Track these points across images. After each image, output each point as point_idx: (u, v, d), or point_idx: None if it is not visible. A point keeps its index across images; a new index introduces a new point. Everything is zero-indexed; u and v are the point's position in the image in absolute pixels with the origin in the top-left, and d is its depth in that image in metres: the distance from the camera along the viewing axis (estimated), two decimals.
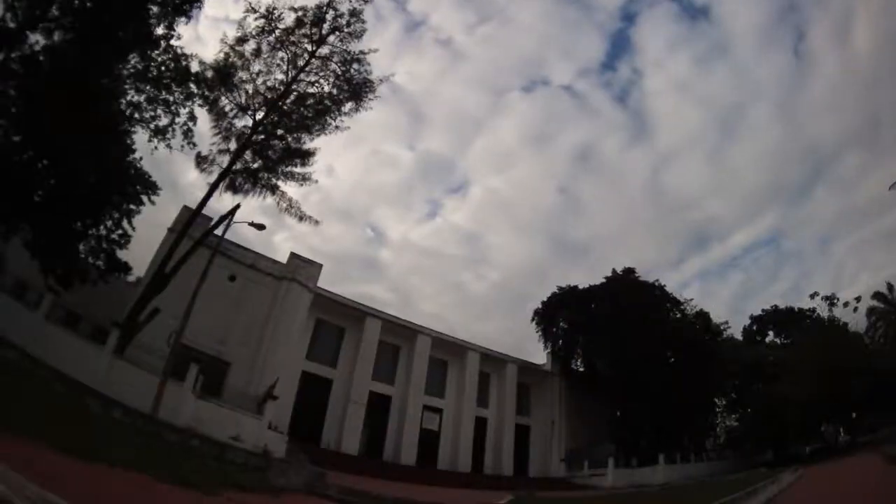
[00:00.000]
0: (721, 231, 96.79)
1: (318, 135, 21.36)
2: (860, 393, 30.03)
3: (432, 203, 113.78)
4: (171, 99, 19.59)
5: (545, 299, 36.68)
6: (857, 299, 37.98)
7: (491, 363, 32.83)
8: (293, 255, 26.89)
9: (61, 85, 15.79)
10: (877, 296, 36.77)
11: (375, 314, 29.48)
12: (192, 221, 19.86)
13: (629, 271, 36.80)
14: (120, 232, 21.38)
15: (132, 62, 18.77)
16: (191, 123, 20.24)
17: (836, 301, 40.30)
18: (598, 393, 33.39)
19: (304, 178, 21.54)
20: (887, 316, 35.65)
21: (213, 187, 19.98)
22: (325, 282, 28.14)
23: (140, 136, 20.99)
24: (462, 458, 28.94)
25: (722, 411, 45.16)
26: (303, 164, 21.55)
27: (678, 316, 36.96)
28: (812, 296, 41.40)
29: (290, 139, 21.35)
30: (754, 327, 46.88)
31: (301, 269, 26.32)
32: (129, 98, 19.34)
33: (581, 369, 36.11)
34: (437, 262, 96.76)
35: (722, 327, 41.62)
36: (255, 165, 21.33)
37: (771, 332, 45.99)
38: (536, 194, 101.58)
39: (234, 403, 18.24)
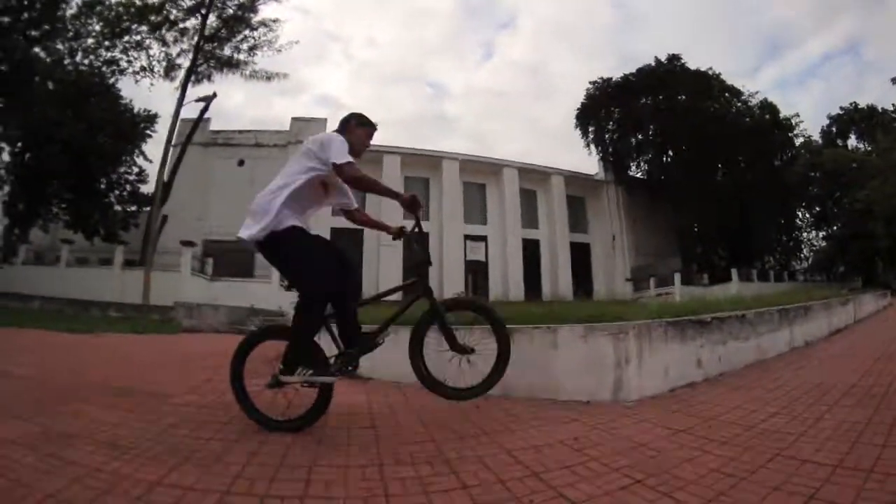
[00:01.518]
0: (794, 37, 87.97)
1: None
2: None
3: (485, 45, 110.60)
4: (139, 39, 22.52)
5: (583, 99, 30.72)
6: None
7: (534, 178, 30.23)
8: (294, 119, 27.01)
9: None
10: None
11: (392, 151, 28.05)
12: (173, 127, 21.79)
13: (674, 58, 31.77)
14: (136, 170, 24.64)
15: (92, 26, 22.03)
16: (166, 50, 22.86)
17: None
18: (662, 201, 30.37)
19: (269, 44, 23.76)
20: None
21: (183, 87, 22.29)
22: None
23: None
24: (513, 286, 27.15)
25: (805, 227, 40.97)
26: (267, 32, 23.80)
27: (740, 107, 32.62)
28: (894, 80, 31.00)
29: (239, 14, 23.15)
30: (833, 129, 39.49)
31: (304, 129, 25.99)
32: (106, 56, 22.62)
33: (639, 175, 32.65)
34: (506, 102, 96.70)
35: (793, 121, 36.24)
36: (214, 51, 23.70)
37: (853, 136, 39.13)
38: (590, 13, 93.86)
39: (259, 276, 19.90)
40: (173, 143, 21.72)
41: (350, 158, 2.46)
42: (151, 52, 22.76)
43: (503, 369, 2.59)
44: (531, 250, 29.04)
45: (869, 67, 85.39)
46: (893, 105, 33.54)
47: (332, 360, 2.53)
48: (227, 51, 23.85)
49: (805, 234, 40.50)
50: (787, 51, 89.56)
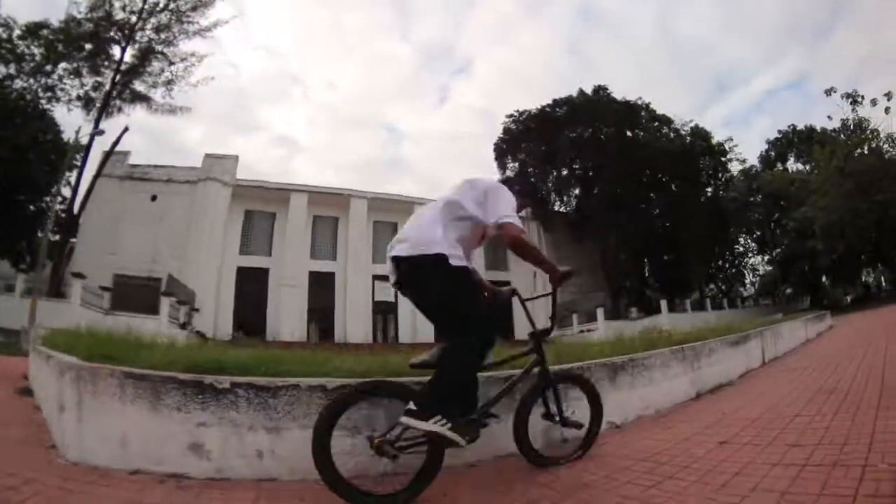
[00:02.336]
0: (741, 75, 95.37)
1: (193, 34, 24.11)
2: None
3: (441, 89, 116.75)
4: (76, 66, 22.90)
5: (501, 133, 31.04)
6: (888, 95, 29.58)
7: None
8: (207, 156, 27.22)
9: None
10: None
11: (300, 189, 27.91)
12: (85, 158, 23.09)
13: (600, 89, 31.51)
14: (60, 199, 24.17)
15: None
16: (94, 79, 23.35)
17: (860, 99, 31.43)
18: (587, 235, 29.48)
19: (185, 74, 24.49)
20: None
21: (97, 118, 22.89)
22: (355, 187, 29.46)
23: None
24: (423, 328, 27.07)
25: (747, 252, 41.10)
26: (187, 67, 24.55)
27: (671, 136, 32.26)
28: (828, 92, 32.03)
29: (160, 48, 23.94)
30: (771, 153, 40.09)
31: (216, 165, 26.71)
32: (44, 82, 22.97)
33: (565, 210, 32.05)
34: (458, 144, 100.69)
35: (727, 146, 36.33)
36: (128, 83, 24.11)
37: (791, 158, 39.67)
38: (544, 59, 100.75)
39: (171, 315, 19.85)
40: (94, 173, 22.72)
41: (518, 219, 2.36)
42: (85, 81, 23.30)
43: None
44: None
45: (814, 100, 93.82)
46: (829, 117, 33.33)
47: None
48: (140, 84, 24.44)
49: (748, 260, 40.39)
50: (735, 89, 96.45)
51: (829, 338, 10.23)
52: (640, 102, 31.94)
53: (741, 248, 39.96)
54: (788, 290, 38.96)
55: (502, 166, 31.00)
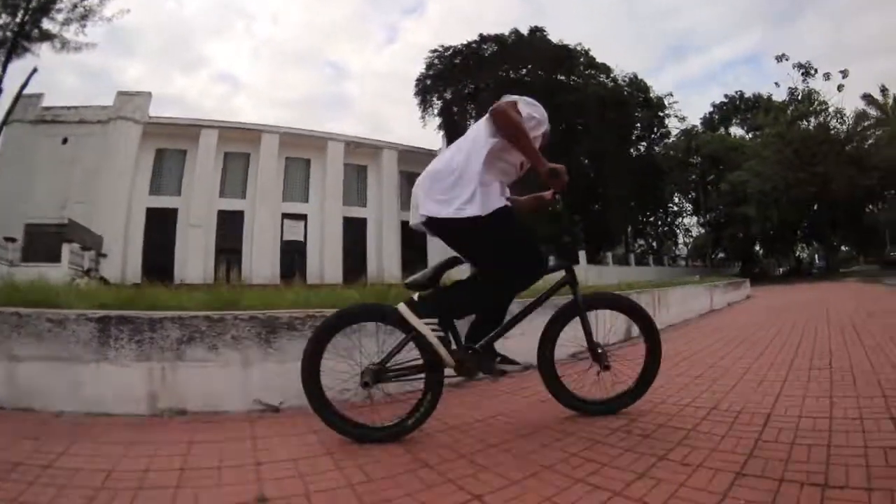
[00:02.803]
0: (700, 43, 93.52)
1: None
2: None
3: (389, 28, 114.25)
4: None
5: (424, 67, 28.19)
6: (844, 73, 28.94)
7: (365, 153, 28.85)
8: (119, 94, 26.41)
9: None
10: (866, 97, 29.89)
11: (211, 125, 27.07)
12: None
13: (537, 30, 30.19)
14: None
15: None
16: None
17: (812, 72, 30.08)
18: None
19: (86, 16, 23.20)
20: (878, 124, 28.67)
21: (5, 61, 22.08)
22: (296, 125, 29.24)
23: None
24: (331, 268, 25.97)
25: (682, 213, 40.66)
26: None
27: (608, 84, 31.16)
28: (779, 58, 30.55)
29: None
30: (715, 116, 39.47)
31: (127, 103, 25.94)
32: None
33: None
34: (407, 84, 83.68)
35: (666, 101, 35.22)
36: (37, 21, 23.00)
37: (735, 124, 39.19)
38: (500, 3, 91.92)
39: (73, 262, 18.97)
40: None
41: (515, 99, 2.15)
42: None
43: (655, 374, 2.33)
44: (357, 230, 28.10)
45: (771, 77, 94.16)
46: (777, 84, 32.68)
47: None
48: (50, 23, 23.19)
49: (681, 220, 38.50)
50: (692, 55, 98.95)
51: (739, 310, 9.01)
52: (578, 48, 30.92)
53: (675, 207, 37.57)
54: (721, 255, 37.03)
55: (424, 104, 28.12)
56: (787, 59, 30.16)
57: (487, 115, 2.11)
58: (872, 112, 29.64)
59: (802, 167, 26.14)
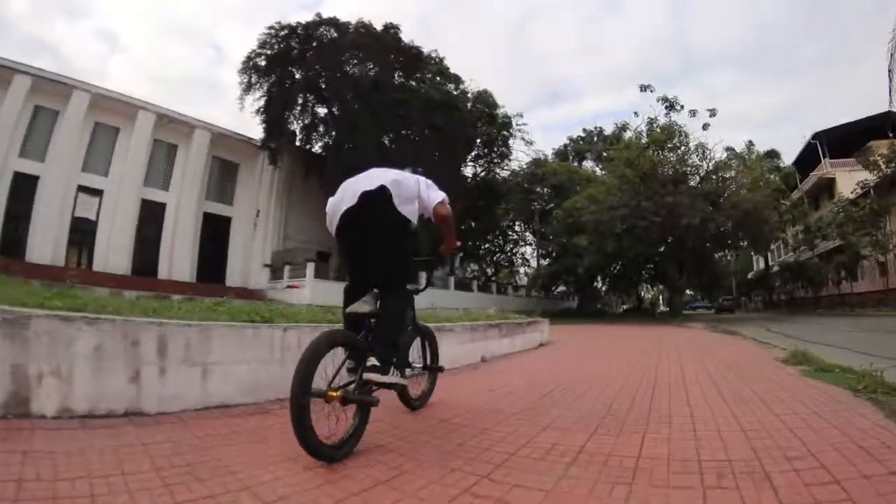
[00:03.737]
0: (575, 92, 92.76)
1: None
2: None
3: (280, 17, 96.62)
4: None
5: (258, 45, 25.72)
6: (711, 112, 27.75)
7: (177, 131, 26.25)
8: None
9: None
10: (729, 150, 28.69)
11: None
12: None
13: (391, 27, 26.83)
14: None
15: None
16: None
17: (678, 107, 28.11)
18: (325, 179, 25.76)
19: None
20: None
21: None
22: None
23: None
24: (118, 256, 23.48)
25: (519, 240, 40.04)
26: None
27: (451, 93, 29.76)
28: (643, 88, 28.46)
29: None
30: (569, 148, 39.06)
31: None
32: None
33: (317, 147, 28.81)
34: None
35: (514, 121, 34.09)
36: None
37: (589, 159, 38.85)
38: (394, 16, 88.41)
39: None
40: None
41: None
42: None
43: None
44: (155, 215, 24.89)
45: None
46: (636, 113, 30.36)
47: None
48: None
49: (521, 249, 39.54)
50: (564, 101, 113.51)
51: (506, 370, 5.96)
52: (433, 55, 29.83)
53: (515, 235, 38.19)
54: (561, 288, 38.49)
55: (248, 85, 25.53)
56: (651, 91, 27.72)
57: (434, 211, 2.92)
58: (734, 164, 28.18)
59: (650, 197, 23.99)
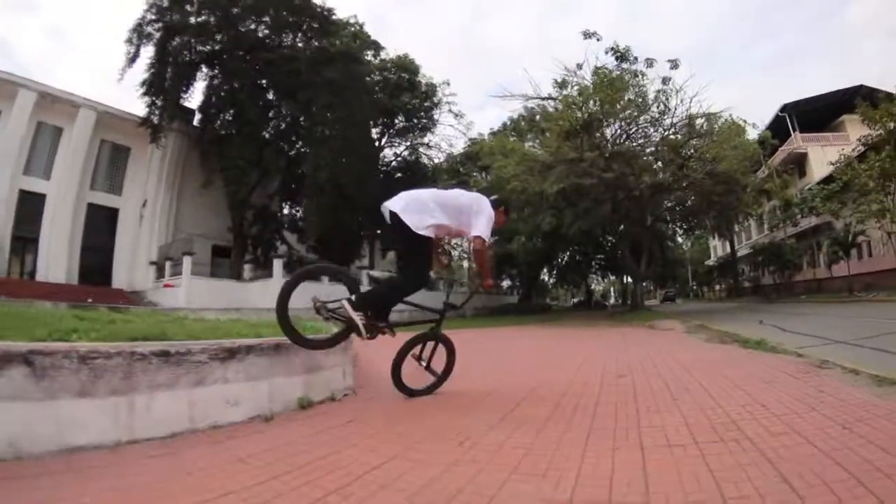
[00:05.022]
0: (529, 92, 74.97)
1: None
2: None
3: None
4: None
5: (146, 6, 23.00)
6: (674, 64, 21.39)
7: (62, 113, 23.81)
8: None
9: None
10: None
11: None
12: None
13: None
14: None
15: None
16: None
17: (632, 59, 21.87)
18: (223, 155, 23.40)
19: None
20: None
21: None
22: None
23: None
24: (56, 269, 22.11)
25: None
26: None
27: (372, 60, 27.63)
28: (587, 35, 21.46)
29: None
30: (507, 128, 33.96)
31: None
32: None
33: (218, 125, 25.37)
34: None
35: (441, 90, 30.78)
36: None
37: (531, 139, 34.09)
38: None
39: None
40: None
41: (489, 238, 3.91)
42: None
43: None
44: (33, 207, 22.13)
45: None
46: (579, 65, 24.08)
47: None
48: None
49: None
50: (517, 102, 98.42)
51: None
52: (353, 21, 27.48)
53: None
54: (507, 281, 35.11)
55: (135, 55, 22.49)
56: (598, 40, 21.82)
57: (473, 245, 3.70)
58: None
59: (598, 146, 20.44)
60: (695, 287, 58.80)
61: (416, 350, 4.04)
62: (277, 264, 21.43)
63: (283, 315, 3.22)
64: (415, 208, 3.53)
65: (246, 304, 18.13)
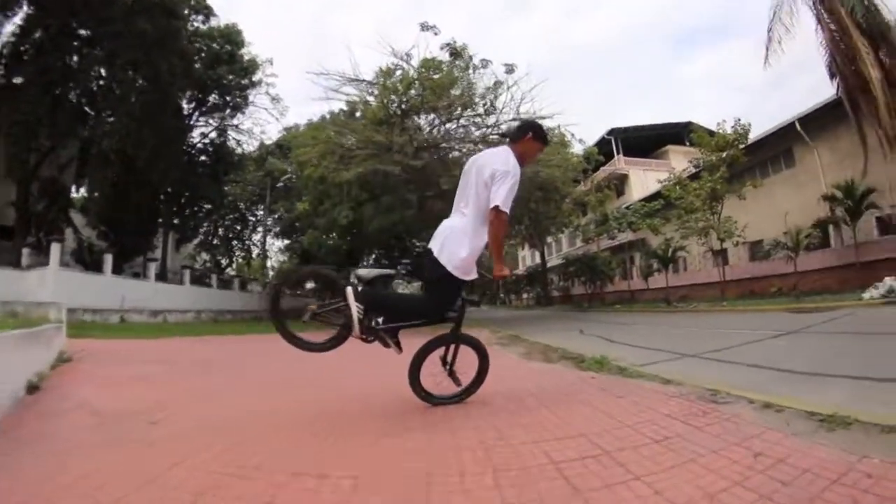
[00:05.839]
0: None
1: None
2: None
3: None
4: None
5: None
6: (509, 68, 20.41)
7: None
8: None
9: None
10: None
11: None
12: None
13: None
14: None
15: None
16: None
17: (465, 55, 20.58)
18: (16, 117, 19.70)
19: None
20: None
21: None
22: None
23: None
24: None
25: (257, 227, 33.94)
26: None
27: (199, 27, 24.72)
28: (424, 27, 20.54)
29: None
30: (326, 120, 31.19)
31: None
32: None
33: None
34: None
35: (263, 68, 28.37)
36: None
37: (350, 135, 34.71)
38: None
39: None
40: None
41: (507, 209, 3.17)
42: None
43: None
44: None
45: None
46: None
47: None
48: None
49: (258, 237, 33.84)
50: None
51: None
52: None
53: (253, 218, 32.40)
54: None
55: None
56: (436, 34, 20.59)
57: (494, 213, 3.09)
58: None
59: (407, 131, 19.09)
60: (502, 295, 60.22)
61: (441, 351, 3.58)
62: (55, 250, 17.41)
63: (276, 313, 3.18)
64: (451, 248, 3.17)
65: (22, 296, 14.25)
